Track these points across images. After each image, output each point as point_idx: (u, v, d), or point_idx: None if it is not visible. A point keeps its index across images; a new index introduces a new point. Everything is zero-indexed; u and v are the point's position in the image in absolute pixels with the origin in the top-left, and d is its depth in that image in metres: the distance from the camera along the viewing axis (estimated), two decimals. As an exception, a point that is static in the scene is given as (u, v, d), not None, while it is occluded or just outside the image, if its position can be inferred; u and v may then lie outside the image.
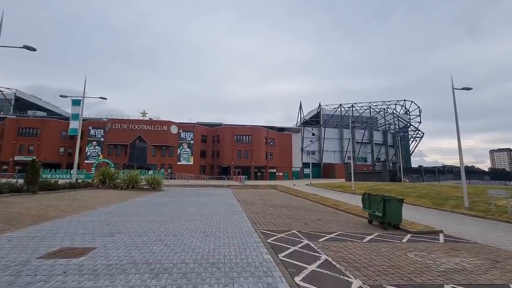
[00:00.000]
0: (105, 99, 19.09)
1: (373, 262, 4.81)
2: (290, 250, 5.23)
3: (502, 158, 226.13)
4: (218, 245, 5.37)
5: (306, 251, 5.24)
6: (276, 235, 6.53)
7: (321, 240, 6.30)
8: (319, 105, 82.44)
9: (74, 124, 18.73)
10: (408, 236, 7.26)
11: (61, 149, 52.82)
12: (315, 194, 19.29)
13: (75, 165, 18.63)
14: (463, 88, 12.28)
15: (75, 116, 18.70)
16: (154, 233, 6.21)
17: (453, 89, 12.18)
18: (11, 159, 49.08)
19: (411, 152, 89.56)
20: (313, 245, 5.73)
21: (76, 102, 18.91)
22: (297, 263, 4.53)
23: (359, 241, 6.41)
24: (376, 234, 7.30)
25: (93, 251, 4.66)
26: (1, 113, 61.80)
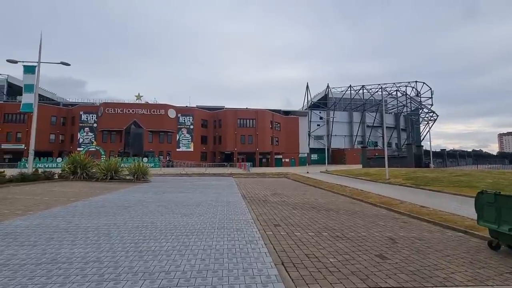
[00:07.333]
0: (68, 65, 14.68)
1: None
2: None
3: (511, 142, 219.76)
4: None
5: None
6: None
7: None
8: (327, 87, 77.02)
9: (27, 98, 14.25)
10: None
11: (52, 136, 49.10)
12: (341, 184, 15.08)
13: (31, 153, 14.52)
14: None
15: (29, 88, 14.21)
16: None
17: None
18: (-3, 148, 45.51)
19: (424, 136, 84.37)
20: None
21: (29, 69, 14.37)
22: None
23: None
24: None
25: None
26: (-11, 99, 57.94)
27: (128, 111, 47.20)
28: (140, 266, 3.46)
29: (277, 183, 17.52)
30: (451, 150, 53.16)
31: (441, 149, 47.12)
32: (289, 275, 3.33)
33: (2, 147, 45.96)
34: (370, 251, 4.42)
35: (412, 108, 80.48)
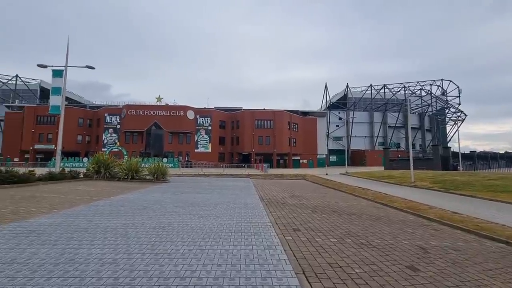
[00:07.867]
0: (93, 68, 15.30)
1: None
2: None
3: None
4: None
5: None
6: None
7: None
8: (347, 86, 75.03)
9: (55, 100, 15.05)
10: None
11: (79, 137, 51.64)
12: (363, 187, 14.47)
13: (58, 153, 15.25)
14: None
15: (57, 90, 15.00)
16: None
17: None
18: (31, 148, 48.53)
19: (450, 137, 79.85)
20: None
21: (57, 73, 15.17)
22: None
23: None
24: None
25: None
26: (23, 102, 62.09)
27: (149, 112, 48.66)
28: (155, 270, 3.36)
29: (295, 184, 17.17)
30: (481, 151, 49.70)
31: (470, 151, 44.22)
32: (311, 286, 3.08)
33: (35, 147, 48.92)
34: (400, 262, 4.05)
35: (438, 108, 76.43)
